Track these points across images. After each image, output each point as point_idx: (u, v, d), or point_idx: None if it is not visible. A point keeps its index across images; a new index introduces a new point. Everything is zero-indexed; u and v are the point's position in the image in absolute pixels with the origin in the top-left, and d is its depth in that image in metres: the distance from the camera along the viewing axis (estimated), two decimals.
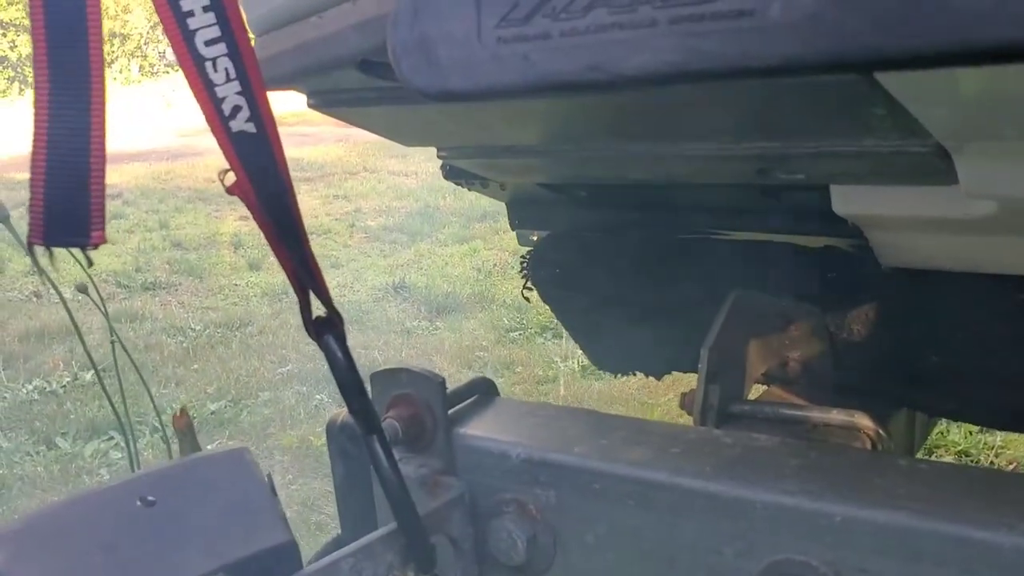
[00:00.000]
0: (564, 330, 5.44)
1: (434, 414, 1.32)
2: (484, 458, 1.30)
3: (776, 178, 1.41)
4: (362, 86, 1.29)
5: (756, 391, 1.87)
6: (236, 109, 0.95)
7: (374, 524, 1.41)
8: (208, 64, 0.92)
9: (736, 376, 1.72)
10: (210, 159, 11.96)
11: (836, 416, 1.62)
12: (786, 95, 1.12)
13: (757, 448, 1.22)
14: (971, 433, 3.92)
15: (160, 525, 1.09)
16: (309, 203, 9.89)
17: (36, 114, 0.87)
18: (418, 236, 8.57)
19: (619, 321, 1.88)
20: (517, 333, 5.58)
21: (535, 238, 2.12)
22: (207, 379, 4.92)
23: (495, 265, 7.24)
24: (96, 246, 0.91)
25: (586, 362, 4.88)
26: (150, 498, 1.10)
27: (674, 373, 2.14)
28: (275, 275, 7.14)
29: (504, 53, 0.83)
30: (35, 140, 0.87)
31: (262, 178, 1.01)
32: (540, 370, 4.95)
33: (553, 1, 0.80)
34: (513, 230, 2.01)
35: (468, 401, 1.41)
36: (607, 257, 1.84)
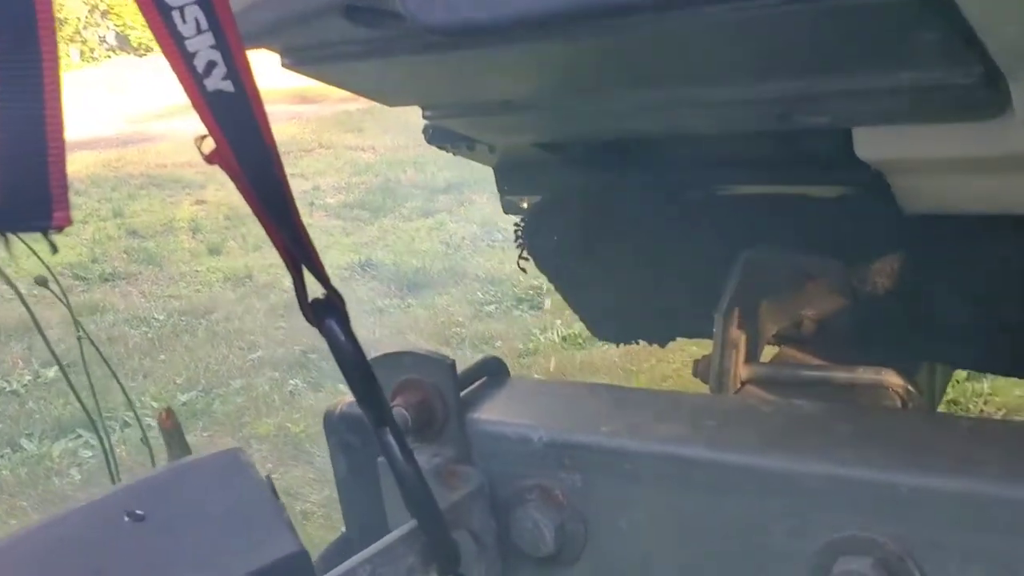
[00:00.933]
0: (543, 302, 5.36)
1: (445, 399, 1.20)
2: (502, 444, 1.19)
3: (797, 123, 1.31)
4: (345, 39, 1.16)
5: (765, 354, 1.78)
6: (210, 65, 0.83)
7: (382, 521, 1.30)
8: (175, 13, 0.80)
9: (751, 339, 1.63)
10: (161, 145, 11.70)
11: (863, 375, 1.53)
12: (819, 23, 1.02)
13: (801, 416, 1.12)
14: (958, 382, 3.87)
15: (152, 542, 0.97)
16: None
17: None
18: (380, 212, 8.41)
19: (621, 288, 1.77)
20: (493, 307, 5.47)
21: (525, 205, 2.00)
22: (175, 369, 4.77)
23: (463, 238, 7.11)
24: (60, 228, 0.78)
25: (566, 332, 4.79)
26: (138, 512, 0.98)
27: (656, 340, 2.03)
28: (237, 259, 6.97)
29: None
30: None
31: (244, 143, 0.89)
32: (520, 343, 4.85)
33: None
34: (501, 197, 1.90)
35: (478, 383, 1.30)
36: (608, 221, 1.73)
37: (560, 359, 4.54)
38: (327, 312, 0.95)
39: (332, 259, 6.80)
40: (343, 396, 1.41)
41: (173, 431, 1.09)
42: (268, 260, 6.83)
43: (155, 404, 4.33)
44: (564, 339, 4.76)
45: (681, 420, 1.13)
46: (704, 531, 1.08)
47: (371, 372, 0.97)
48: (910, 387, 1.52)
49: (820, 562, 1.01)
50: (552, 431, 1.16)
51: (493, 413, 1.22)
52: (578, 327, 4.86)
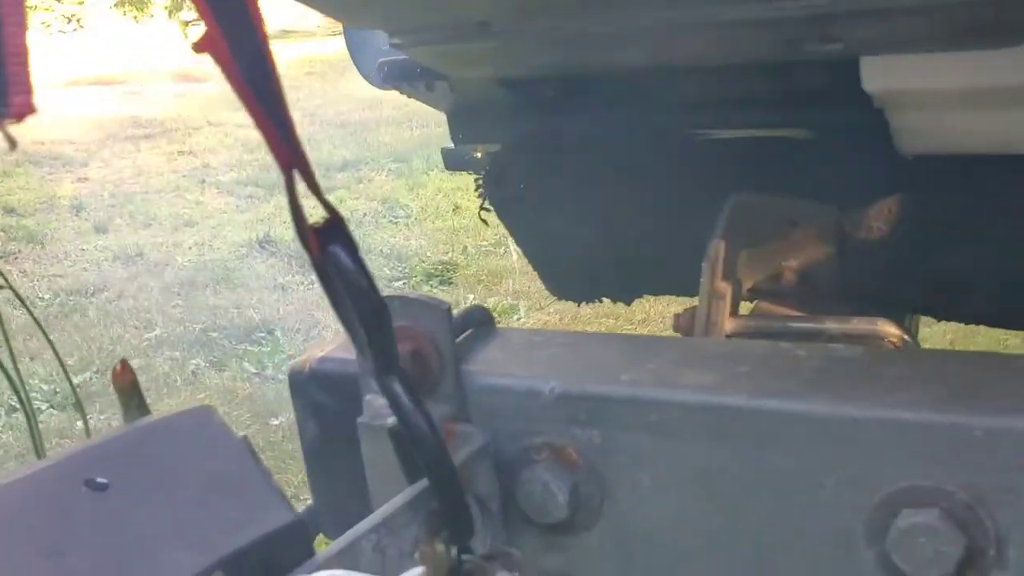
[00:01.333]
0: (452, 277, 5.22)
1: (440, 349, 1.07)
2: (506, 397, 1.06)
3: (806, 51, 1.21)
4: None
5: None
6: None
7: (356, 493, 1.16)
8: None
9: (734, 291, 1.53)
10: (39, 121, 11.05)
11: (858, 325, 1.45)
12: None
13: (842, 359, 1.02)
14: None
15: (119, 515, 0.80)
16: (153, 161, 9.26)
17: None
18: (275, 189, 8.08)
19: (588, 241, 1.65)
20: (401, 283, 5.30)
21: (479, 155, 1.87)
22: (66, 350, 4.45)
23: (365, 214, 6.91)
24: (20, 117, 0.62)
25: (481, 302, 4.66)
26: (100, 480, 0.81)
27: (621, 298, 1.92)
28: (125, 237, 6.62)
29: None
30: None
31: (236, 32, 0.75)
32: None
33: None
34: (445, 156, 1.76)
35: (467, 334, 1.16)
36: (576, 168, 1.61)
37: None
38: (329, 236, 0.81)
39: (228, 236, 6.53)
40: (308, 350, 1.26)
41: (130, 390, 0.92)
42: (159, 238, 6.51)
43: (45, 387, 4.04)
44: None
45: (710, 367, 1.02)
46: (743, 488, 0.97)
47: (385, 308, 0.83)
48: (907, 337, 1.45)
49: (878, 516, 0.91)
50: (566, 382, 1.03)
51: (493, 364, 1.09)
52: (492, 301, 4.74)
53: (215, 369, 4.25)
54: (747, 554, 0.98)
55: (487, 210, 1.67)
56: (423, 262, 5.46)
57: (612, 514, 1.04)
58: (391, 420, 0.99)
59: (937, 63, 1.21)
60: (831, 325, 1.46)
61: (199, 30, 0.73)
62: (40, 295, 5.36)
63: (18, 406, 3.60)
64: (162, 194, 7.95)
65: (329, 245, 0.81)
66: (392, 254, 5.77)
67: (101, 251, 6.33)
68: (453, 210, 6.57)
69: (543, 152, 1.62)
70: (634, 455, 1.01)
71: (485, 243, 5.68)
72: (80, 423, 3.69)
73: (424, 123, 8.67)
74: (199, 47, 0.72)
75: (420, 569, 0.83)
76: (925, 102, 1.31)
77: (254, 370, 4.21)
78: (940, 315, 1.59)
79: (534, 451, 1.05)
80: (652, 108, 1.53)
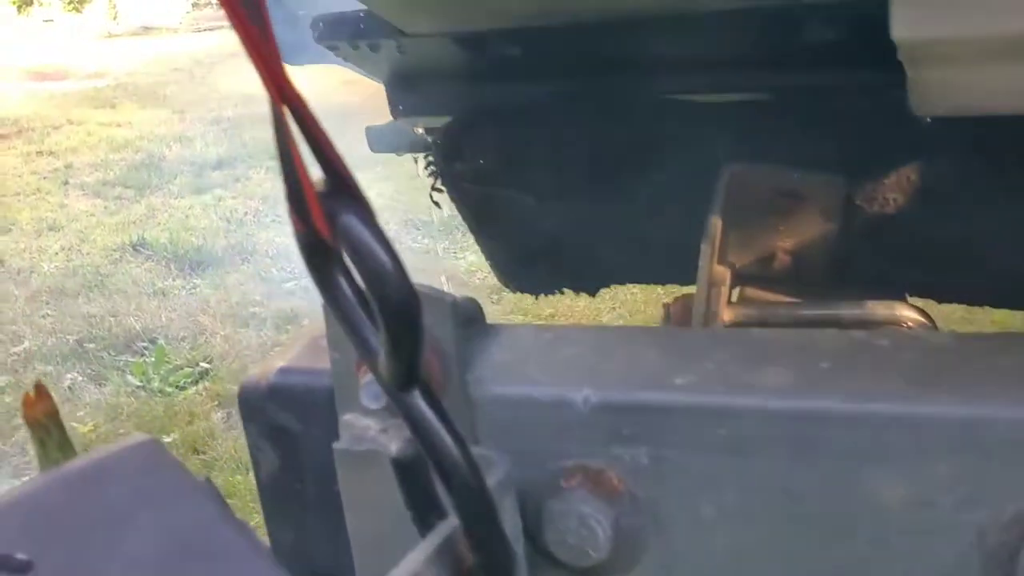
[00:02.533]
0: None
1: (443, 352, 0.85)
2: (527, 411, 0.85)
3: None
4: None
5: None
6: None
7: (325, 537, 0.93)
8: None
9: (732, 276, 1.36)
10: None
11: (876, 310, 1.29)
12: None
13: (940, 349, 0.84)
14: None
15: None
16: (9, 162, 8.63)
17: None
18: (146, 189, 7.63)
19: (555, 225, 1.45)
20: (291, 283, 4.98)
21: (420, 130, 1.64)
22: None
23: (245, 214, 6.54)
24: None
25: None
26: (19, 557, 0.57)
27: (584, 288, 1.73)
28: None
29: None
30: None
31: None
32: None
33: None
34: (395, 119, 1.53)
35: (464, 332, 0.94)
36: (542, 139, 1.41)
37: None
38: (335, 202, 0.58)
39: (98, 240, 6.07)
40: (259, 364, 1.02)
41: (46, 420, 0.67)
42: (21, 244, 6.02)
43: None
44: None
45: (783, 363, 0.83)
46: (835, 514, 0.78)
47: (417, 300, 0.60)
48: (926, 321, 1.30)
49: (1004, 540, 0.74)
50: (603, 388, 0.83)
51: (507, 369, 0.88)
52: None
53: (94, 383, 3.88)
54: None
55: (439, 190, 1.45)
56: None
57: (664, 552, 0.84)
58: (394, 447, 0.78)
59: (978, 5, 1.05)
60: (846, 311, 1.30)
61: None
62: None
63: None
64: (21, 197, 7.39)
65: (338, 214, 0.59)
66: (278, 254, 5.45)
67: None
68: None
69: (505, 122, 1.41)
70: (695, 478, 0.81)
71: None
72: None
73: None
74: None
75: None
76: (961, 53, 1.14)
77: (138, 383, 3.86)
78: (944, 296, 1.45)
79: (564, 477, 0.84)
80: (632, 69, 1.34)
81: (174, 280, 5.19)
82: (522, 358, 0.90)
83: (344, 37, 1.32)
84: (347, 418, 0.87)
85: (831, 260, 1.41)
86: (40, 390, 0.69)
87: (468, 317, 0.97)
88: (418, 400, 0.66)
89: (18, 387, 3.79)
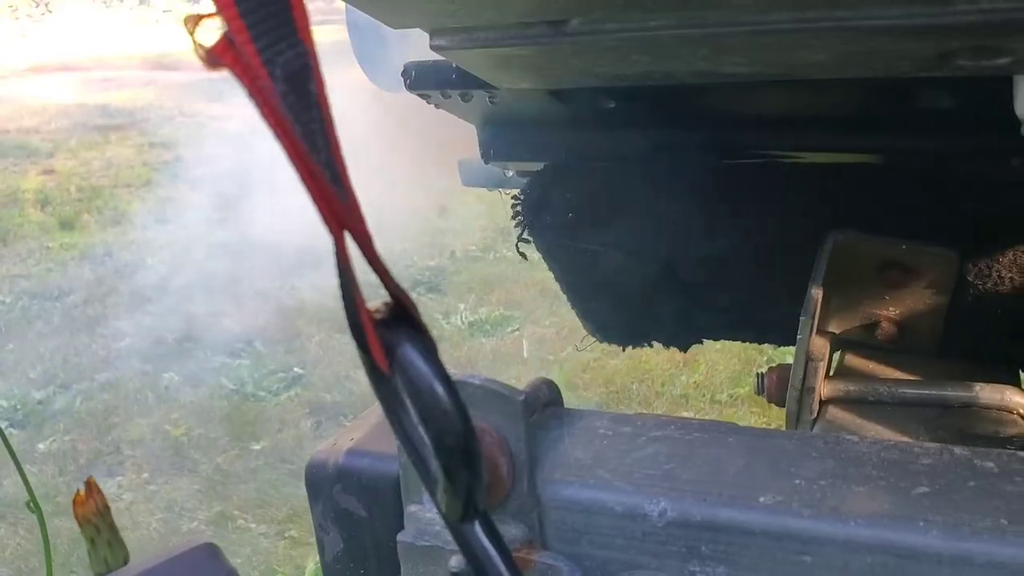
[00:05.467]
0: (440, 284, 4.94)
1: (511, 451, 0.81)
2: (598, 519, 0.80)
3: (960, 67, 0.96)
4: None
5: None
6: None
7: None
8: None
9: (832, 348, 1.29)
10: (3, 109, 10.67)
11: (983, 393, 1.21)
12: None
13: None
14: None
15: None
16: (124, 153, 8.91)
17: None
18: (253, 187, 7.78)
19: (649, 279, 1.40)
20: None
21: (510, 173, 1.61)
22: (27, 361, 4.15)
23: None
24: None
25: (472, 318, 4.40)
26: None
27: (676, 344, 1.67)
28: (93, 235, 6.29)
29: None
30: None
31: (270, 31, 0.49)
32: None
33: None
34: (486, 163, 1.49)
35: (535, 419, 0.90)
36: (635, 193, 1.36)
37: (471, 347, 4.16)
38: (394, 332, 0.55)
39: (201, 236, 6.20)
40: (327, 437, 1.00)
41: (97, 520, 0.66)
42: (130, 236, 6.20)
43: (4, 403, 3.74)
44: (471, 324, 4.37)
45: (875, 483, 0.76)
46: None
47: (474, 439, 0.57)
48: None
49: None
50: (681, 501, 0.78)
51: (579, 469, 0.83)
52: (484, 311, 4.48)
53: (190, 384, 3.96)
54: None
55: (526, 241, 1.41)
56: (408, 267, 5.19)
57: None
58: (454, 561, 0.75)
59: None
60: (951, 392, 1.22)
61: (211, 28, 0.46)
62: (2, 299, 5.03)
63: None
64: (132, 188, 7.62)
65: (396, 346, 0.55)
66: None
67: (66, 249, 6.00)
68: (439, 213, 6.30)
69: (596, 174, 1.36)
70: None
71: (473, 248, 5.43)
72: (42, 445, 3.41)
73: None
74: (215, 56, 0.46)
75: None
76: None
77: (232, 386, 3.93)
78: None
79: None
80: (733, 125, 1.28)
81: (273, 281, 5.26)
82: (597, 456, 0.85)
83: (435, 87, 1.29)
84: (412, 509, 0.85)
85: (939, 332, 1.33)
86: (91, 487, 0.67)
87: (547, 401, 0.94)
88: (478, 536, 0.63)
89: (116, 385, 3.90)
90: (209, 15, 0.46)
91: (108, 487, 2.98)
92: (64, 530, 2.67)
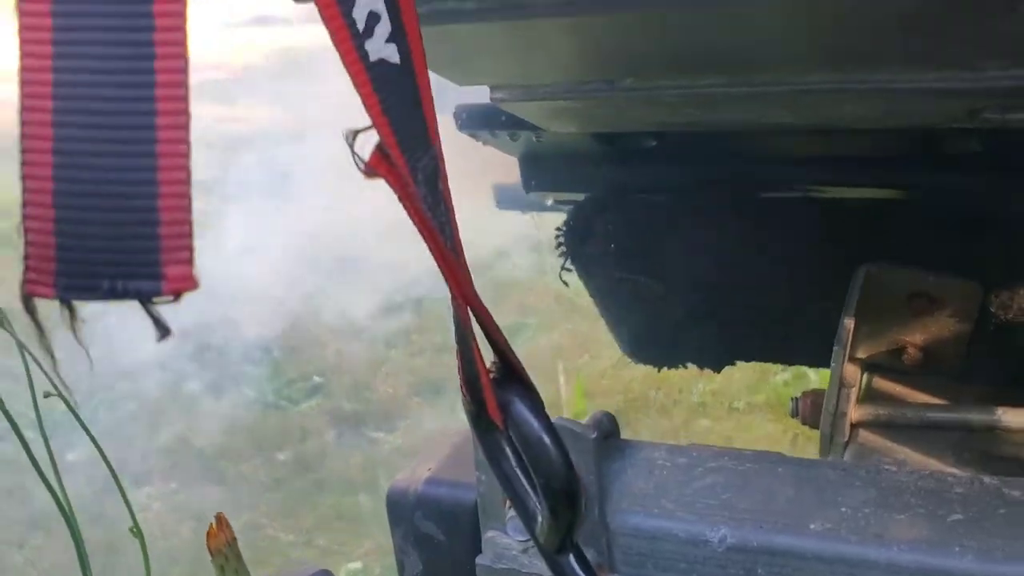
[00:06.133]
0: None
1: (584, 483, 0.88)
2: (662, 544, 0.88)
3: (987, 119, 1.03)
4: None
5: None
6: (373, 20, 0.51)
7: None
8: None
9: (863, 374, 1.36)
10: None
11: (1005, 417, 1.28)
12: None
13: None
14: None
15: None
16: None
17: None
18: (264, 192, 7.83)
19: (685, 306, 1.47)
20: (401, 297, 5.09)
21: (550, 202, 1.68)
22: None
23: (366, 220, 6.67)
24: (177, 293, 0.44)
25: None
26: None
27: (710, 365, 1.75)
28: None
29: None
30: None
31: (411, 141, 0.56)
32: None
33: None
34: (527, 192, 1.57)
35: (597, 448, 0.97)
36: (672, 223, 1.43)
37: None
38: (511, 393, 0.63)
39: (212, 242, 6.25)
40: (403, 467, 1.07)
41: (225, 550, 0.73)
42: None
43: (31, 414, 3.81)
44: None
45: (915, 511, 0.84)
46: None
47: (579, 486, 0.65)
48: None
49: None
50: (739, 529, 0.85)
51: (642, 499, 0.91)
52: (497, 318, 4.55)
53: (211, 393, 4.03)
54: None
55: (568, 270, 1.48)
56: (421, 275, 5.26)
57: None
58: None
59: None
60: (974, 416, 1.30)
61: (368, 142, 0.54)
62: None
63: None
64: None
65: (509, 403, 0.63)
66: (391, 264, 5.55)
67: None
68: None
69: (638, 206, 1.43)
70: None
71: (486, 255, 5.49)
72: (71, 455, 3.47)
73: None
74: (371, 168, 0.53)
75: None
76: None
77: (253, 395, 4.00)
78: None
79: None
80: (769, 161, 1.36)
81: (284, 288, 5.32)
82: (659, 486, 0.92)
83: (485, 128, 1.37)
84: (490, 535, 0.92)
85: (962, 358, 1.41)
86: (221, 522, 0.75)
87: (606, 433, 1.01)
88: (571, 561, 0.70)
89: (138, 395, 3.97)
90: (365, 128, 0.53)
91: (137, 497, 3.05)
92: (90, 540, 2.73)
